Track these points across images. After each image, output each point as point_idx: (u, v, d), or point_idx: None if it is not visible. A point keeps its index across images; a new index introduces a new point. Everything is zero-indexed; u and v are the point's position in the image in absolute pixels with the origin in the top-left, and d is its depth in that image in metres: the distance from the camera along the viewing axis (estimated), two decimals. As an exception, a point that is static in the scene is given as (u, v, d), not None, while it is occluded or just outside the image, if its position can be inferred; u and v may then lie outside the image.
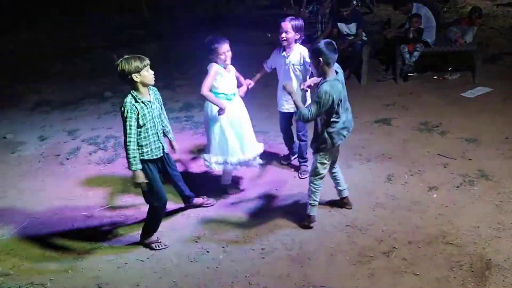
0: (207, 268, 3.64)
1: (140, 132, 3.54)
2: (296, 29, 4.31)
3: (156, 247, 3.90)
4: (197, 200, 4.36)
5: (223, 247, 3.84)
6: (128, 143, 3.49)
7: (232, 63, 4.31)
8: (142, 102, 3.51)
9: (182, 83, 7.48)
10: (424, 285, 3.30)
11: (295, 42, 4.40)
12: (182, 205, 4.35)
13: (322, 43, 3.55)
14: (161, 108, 3.81)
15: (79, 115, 6.72)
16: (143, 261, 3.78)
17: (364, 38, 7.20)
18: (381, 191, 4.41)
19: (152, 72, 3.57)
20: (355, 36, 7.10)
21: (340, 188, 4.12)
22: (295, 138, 4.87)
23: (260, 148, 4.46)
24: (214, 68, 4.08)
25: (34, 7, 11.35)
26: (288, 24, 4.30)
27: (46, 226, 4.30)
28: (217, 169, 4.36)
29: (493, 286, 3.23)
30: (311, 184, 3.90)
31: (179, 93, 7.18)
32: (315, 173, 3.87)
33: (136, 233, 4.08)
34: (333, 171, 4.05)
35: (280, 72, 4.54)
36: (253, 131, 4.45)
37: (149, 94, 3.61)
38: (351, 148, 5.14)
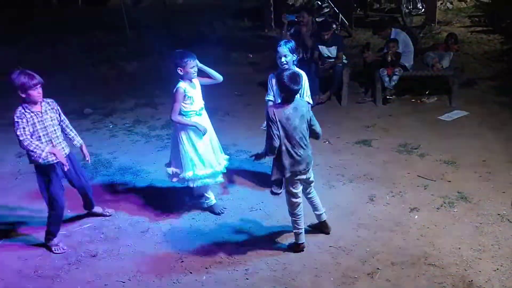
0: (190, 289, 3.59)
1: None
2: (293, 51, 4.27)
3: (55, 250, 4.09)
4: (97, 209, 4.53)
5: (206, 268, 3.80)
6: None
7: (215, 84, 4.41)
8: None
9: (163, 101, 7.44)
10: (408, 306, 3.32)
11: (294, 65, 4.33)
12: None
13: (286, 76, 3.56)
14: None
15: (58, 132, 6.60)
16: (123, 282, 3.71)
17: (344, 61, 7.35)
18: (363, 211, 4.45)
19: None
20: (335, 59, 7.24)
21: (317, 212, 4.08)
22: None
23: (225, 158, 4.59)
24: (179, 92, 4.18)
25: (17, 23, 11.23)
26: (285, 48, 4.23)
27: (23, 246, 4.19)
28: (195, 185, 4.37)
29: (476, 307, 3.28)
30: (291, 215, 3.87)
31: (160, 111, 7.15)
32: (289, 204, 3.85)
33: (117, 253, 4.01)
34: (309, 196, 4.01)
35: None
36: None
37: None
38: (333, 168, 5.20)
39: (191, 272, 3.76)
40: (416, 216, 4.32)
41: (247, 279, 3.66)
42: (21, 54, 10.01)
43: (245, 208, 4.61)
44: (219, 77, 4.39)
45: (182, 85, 4.20)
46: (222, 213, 4.51)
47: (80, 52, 10.12)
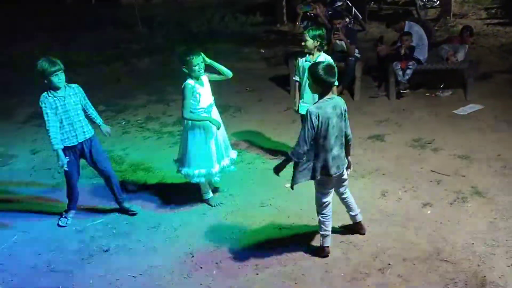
0: (200, 284, 3.60)
1: None
2: (313, 37, 4.66)
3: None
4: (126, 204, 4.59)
5: (216, 263, 3.81)
6: None
7: (227, 80, 4.39)
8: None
9: (175, 98, 7.46)
10: (420, 302, 3.29)
11: (319, 51, 4.74)
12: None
13: (321, 68, 3.46)
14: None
15: (71, 129, 6.66)
16: (135, 277, 3.73)
17: (357, 55, 7.26)
18: (375, 207, 4.40)
19: None
20: (347, 53, 7.16)
21: (352, 213, 3.97)
22: None
23: (234, 154, 4.62)
24: (188, 89, 4.19)
25: (29, 21, 11.35)
26: (306, 34, 4.72)
27: (36, 241, 4.25)
28: (199, 181, 4.40)
29: (489, 303, 3.23)
30: (319, 215, 3.76)
31: (172, 108, 7.17)
32: (318, 204, 3.74)
33: (128, 248, 4.05)
34: (343, 196, 3.90)
35: (304, 77, 4.74)
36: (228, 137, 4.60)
37: None
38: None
39: (201, 267, 3.77)
40: (428, 212, 4.27)
41: (257, 274, 3.66)
42: (37, 52, 10.15)
43: (255, 203, 4.60)
44: (228, 73, 4.39)
45: (190, 81, 4.21)
46: (219, 205, 4.57)
47: (93, 49, 10.19)
